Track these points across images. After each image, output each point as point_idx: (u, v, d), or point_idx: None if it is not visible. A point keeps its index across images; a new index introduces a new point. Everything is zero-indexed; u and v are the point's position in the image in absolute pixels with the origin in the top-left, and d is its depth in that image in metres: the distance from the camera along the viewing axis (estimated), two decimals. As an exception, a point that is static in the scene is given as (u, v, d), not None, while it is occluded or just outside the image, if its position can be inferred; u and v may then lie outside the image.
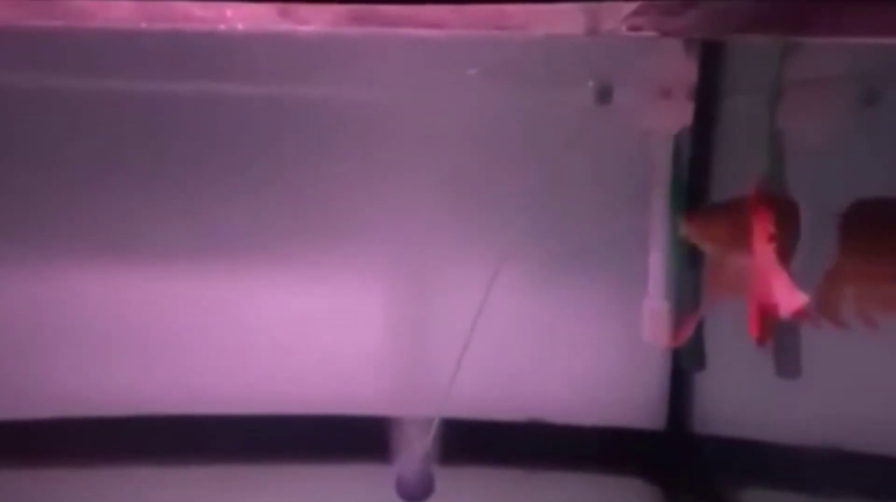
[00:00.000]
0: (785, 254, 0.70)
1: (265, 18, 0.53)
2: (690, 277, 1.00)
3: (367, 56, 0.84)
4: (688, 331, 0.78)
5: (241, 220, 1.06)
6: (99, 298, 1.07)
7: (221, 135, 1.04)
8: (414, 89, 0.93)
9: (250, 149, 1.05)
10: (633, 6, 0.65)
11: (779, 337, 0.89)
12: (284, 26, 0.54)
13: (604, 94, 0.95)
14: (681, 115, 0.91)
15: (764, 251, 0.68)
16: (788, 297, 0.67)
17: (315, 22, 0.54)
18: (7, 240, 1.04)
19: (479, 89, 0.96)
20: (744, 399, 1.01)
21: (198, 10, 0.52)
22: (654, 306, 0.97)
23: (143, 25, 0.54)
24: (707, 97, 0.94)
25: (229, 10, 0.52)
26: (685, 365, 1.05)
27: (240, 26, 0.54)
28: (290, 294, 1.10)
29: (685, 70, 0.88)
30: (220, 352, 1.10)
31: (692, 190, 0.97)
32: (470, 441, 0.99)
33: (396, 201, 1.01)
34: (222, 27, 0.53)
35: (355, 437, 1.05)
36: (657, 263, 0.93)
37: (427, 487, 0.95)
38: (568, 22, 0.65)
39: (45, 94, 0.98)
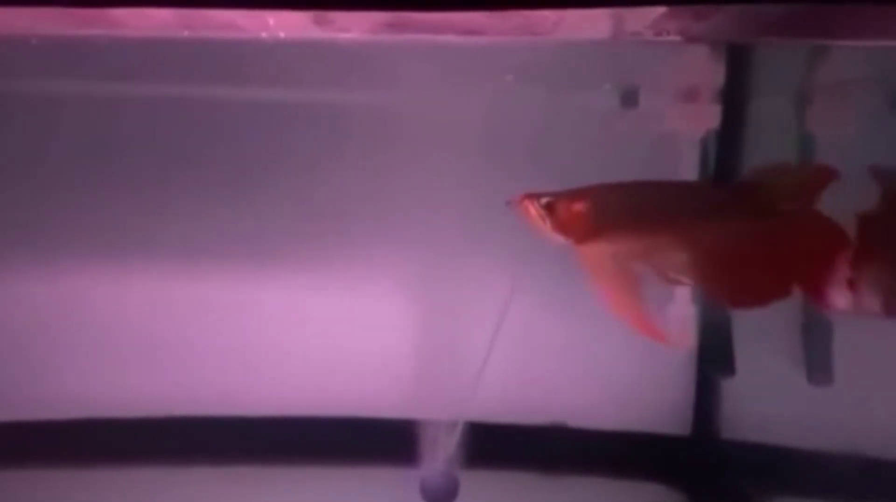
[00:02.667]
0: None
1: (305, 27, 0.53)
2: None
3: (388, 60, 0.85)
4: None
5: (262, 223, 1.07)
6: (115, 301, 1.08)
7: (236, 138, 1.05)
8: (437, 92, 0.93)
9: (263, 151, 1.05)
10: (659, 11, 0.65)
11: (811, 343, 0.89)
12: (324, 34, 0.54)
13: (629, 97, 0.94)
14: (708, 117, 0.90)
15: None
16: None
17: (354, 29, 0.55)
18: (16, 242, 1.05)
19: (502, 92, 0.96)
20: (771, 404, 1.00)
21: (240, 18, 0.52)
22: (680, 310, 0.96)
23: (186, 33, 0.55)
24: (734, 100, 0.93)
25: (271, 19, 0.52)
26: (714, 371, 1.04)
27: (281, 34, 0.54)
28: (314, 296, 1.10)
29: (712, 72, 0.87)
30: (244, 355, 1.11)
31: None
32: (494, 444, 0.99)
33: (419, 203, 1.01)
34: (264, 35, 0.53)
35: (380, 440, 1.05)
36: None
37: (452, 490, 0.95)
38: (595, 26, 0.65)
39: (55, 98, 0.99)
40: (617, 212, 0.72)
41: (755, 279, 0.69)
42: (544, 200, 0.72)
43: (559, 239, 0.72)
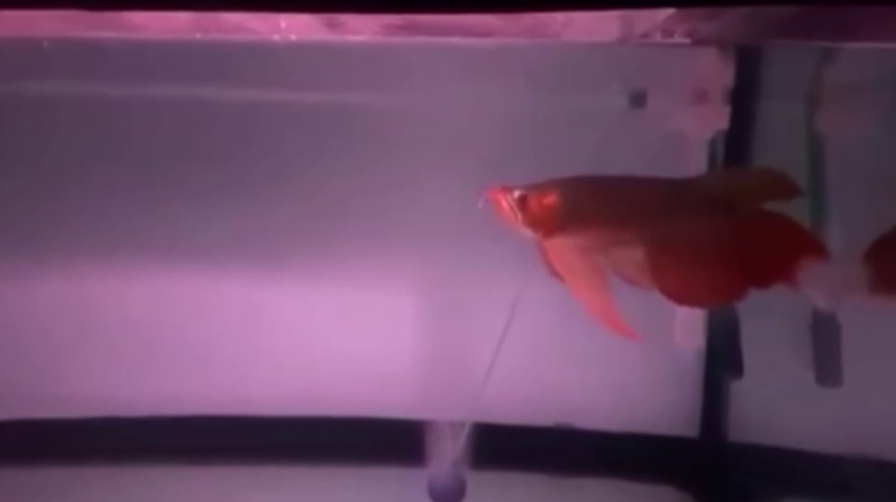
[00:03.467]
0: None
1: (316, 29, 0.53)
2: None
3: (399, 62, 0.85)
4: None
5: (272, 224, 1.08)
6: (121, 301, 1.09)
7: (245, 140, 1.05)
8: (445, 94, 0.93)
9: (272, 153, 1.06)
10: (668, 12, 0.65)
11: (820, 345, 0.88)
12: (334, 37, 0.54)
13: (637, 98, 0.94)
14: (717, 118, 0.90)
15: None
16: None
17: (365, 32, 0.55)
18: (24, 242, 1.05)
19: (511, 93, 0.96)
20: (779, 406, 1.00)
21: (252, 21, 0.53)
22: (688, 311, 0.96)
23: (198, 36, 0.55)
24: (744, 100, 0.93)
25: (283, 22, 0.52)
26: (722, 372, 1.03)
27: (292, 37, 0.54)
28: (323, 296, 1.10)
29: (721, 73, 0.87)
30: (253, 354, 1.11)
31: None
32: (502, 445, 0.99)
33: (429, 204, 1.01)
34: (276, 38, 0.54)
35: (388, 440, 1.05)
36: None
37: (458, 491, 0.95)
38: (604, 28, 0.65)
39: (59, 100, 0.99)
40: (584, 206, 0.70)
41: (707, 278, 0.68)
42: (517, 194, 0.70)
43: (528, 233, 0.71)
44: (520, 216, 0.70)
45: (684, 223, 0.69)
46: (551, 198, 0.69)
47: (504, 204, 0.71)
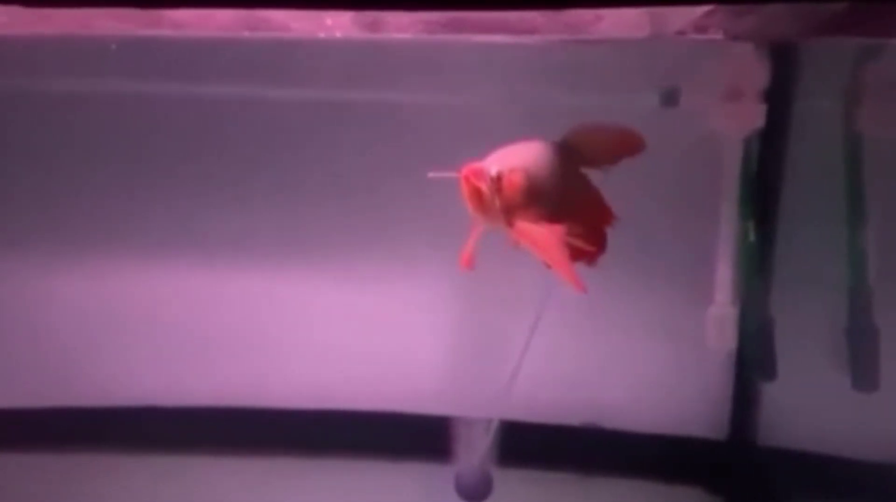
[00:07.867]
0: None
1: (360, 27, 0.53)
2: (758, 283, 0.98)
3: (436, 60, 0.85)
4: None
5: (305, 221, 1.09)
6: (164, 297, 1.11)
7: (282, 138, 1.06)
8: (479, 91, 0.93)
9: (309, 150, 1.07)
10: (701, 10, 0.64)
11: (856, 348, 0.86)
12: (378, 34, 0.54)
13: (670, 96, 0.93)
14: (752, 117, 0.88)
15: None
16: None
17: (409, 29, 0.54)
18: (70, 241, 1.08)
19: (541, 91, 0.95)
20: (813, 409, 0.98)
21: (296, 19, 0.53)
22: (720, 312, 0.95)
23: (246, 34, 0.55)
24: (780, 98, 0.91)
25: (329, 19, 0.52)
26: (755, 374, 1.02)
27: (338, 34, 0.54)
28: (353, 294, 1.11)
29: (757, 70, 0.85)
30: (284, 350, 1.13)
31: (763, 195, 0.94)
32: (529, 444, 0.99)
33: (458, 200, 1.01)
34: (321, 35, 0.53)
35: (416, 436, 1.06)
36: (725, 269, 0.92)
37: (486, 487, 0.95)
38: (639, 25, 0.64)
39: (76, 97, 1.00)
40: (538, 178, 0.64)
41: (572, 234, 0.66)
42: (494, 171, 0.61)
43: (498, 219, 0.64)
44: (497, 200, 0.62)
45: (564, 185, 0.66)
46: (518, 175, 0.62)
47: (484, 188, 0.62)
